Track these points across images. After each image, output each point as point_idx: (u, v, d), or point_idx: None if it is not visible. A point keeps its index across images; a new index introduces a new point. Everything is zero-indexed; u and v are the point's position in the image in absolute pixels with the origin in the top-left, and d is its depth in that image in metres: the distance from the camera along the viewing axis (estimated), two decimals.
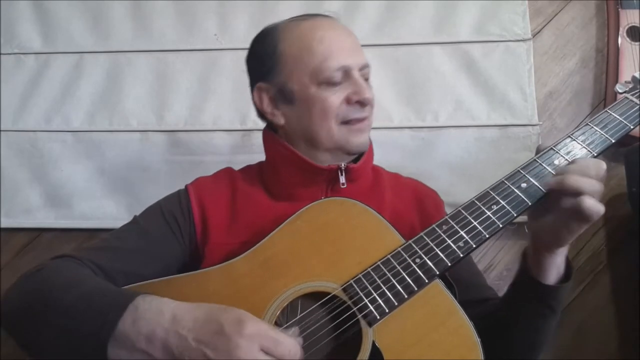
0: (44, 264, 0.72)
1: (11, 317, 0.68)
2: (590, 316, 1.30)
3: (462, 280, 0.73)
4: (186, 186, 0.88)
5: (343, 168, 0.84)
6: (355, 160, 0.87)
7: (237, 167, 0.96)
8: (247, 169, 0.95)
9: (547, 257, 0.70)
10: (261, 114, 0.90)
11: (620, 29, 1.32)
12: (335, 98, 0.81)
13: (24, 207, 1.37)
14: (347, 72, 0.82)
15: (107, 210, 1.36)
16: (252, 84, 0.90)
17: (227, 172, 0.93)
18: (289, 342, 0.59)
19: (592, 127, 0.74)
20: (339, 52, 0.82)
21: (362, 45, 0.89)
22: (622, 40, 1.32)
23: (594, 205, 0.64)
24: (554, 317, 0.73)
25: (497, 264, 1.33)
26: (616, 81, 1.31)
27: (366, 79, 0.86)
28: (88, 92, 1.39)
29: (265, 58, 0.86)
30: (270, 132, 0.90)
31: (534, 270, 0.72)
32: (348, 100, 0.82)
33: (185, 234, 0.83)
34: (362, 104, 0.82)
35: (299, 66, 0.82)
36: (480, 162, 1.33)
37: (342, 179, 0.84)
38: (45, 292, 0.66)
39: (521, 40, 1.36)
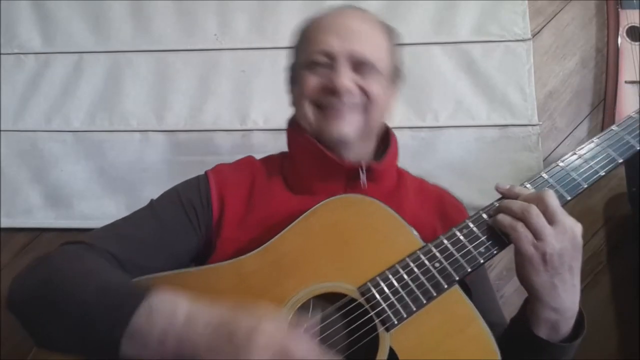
0: (55, 250, 0.70)
1: (22, 305, 0.66)
2: (590, 316, 1.30)
3: (473, 300, 0.70)
4: (206, 172, 0.85)
5: (364, 167, 0.81)
6: (378, 159, 0.85)
7: None
8: (269, 159, 0.92)
9: (536, 307, 0.66)
10: None
11: (620, 29, 1.33)
12: (312, 79, 0.81)
13: (24, 207, 1.37)
14: (333, 59, 0.80)
15: (107, 210, 1.36)
16: None
17: (249, 162, 0.90)
18: (303, 350, 0.56)
19: (599, 145, 0.71)
20: (330, 36, 0.80)
21: None
22: (622, 40, 1.32)
23: (503, 218, 0.66)
24: None
25: (497, 264, 1.33)
26: (616, 81, 1.32)
27: (360, 71, 0.81)
28: (88, 92, 1.39)
29: (295, 42, 0.89)
30: (294, 122, 0.88)
31: (530, 317, 0.68)
32: (323, 87, 0.81)
33: (202, 223, 0.80)
34: (333, 92, 0.79)
35: (301, 49, 0.85)
36: (480, 162, 1.33)
37: (363, 178, 0.81)
38: (58, 284, 0.65)
39: (521, 40, 1.36)
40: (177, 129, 1.38)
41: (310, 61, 0.81)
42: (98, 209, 1.36)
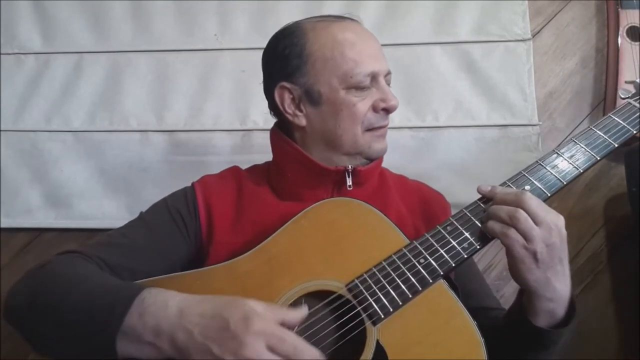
0: (48, 260, 0.72)
1: (17, 313, 0.68)
2: (590, 316, 1.30)
3: (464, 287, 0.73)
4: (192, 184, 0.88)
5: (350, 170, 0.83)
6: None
7: None
8: (254, 169, 0.94)
9: (533, 300, 0.69)
10: (278, 114, 0.88)
11: (620, 29, 1.32)
12: (362, 104, 0.82)
13: (24, 207, 1.37)
14: (374, 78, 0.83)
15: (107, 210, 1.36)
16: (273, 82, 0.86)
17: (234, 171, 0.92)
18: (295, 340, 0.58)
19: (596, 132, 0.76)
20: (368, 57, 0.82)
21: None
22: (622, 40, 1.32)
23: (494, 225, 0.68)
24: (545, 353, 0.72)
25: (497, 264, 1.33)
26: (616, 81, 1.31)
27: (388, 85, 0.87)
28: (88, 92, 1.39)
29: (291, 57, 0.83)
30: (279, 130, 0.89)
31: (527, 308, 0.70)
32: (375, 108, 0.83)
33: (191, 231, 0.82)
34: (388, 111, 0.84)
35: (329, 68, 0.82)
36: (480, 162, 1.33)
37: (349, 181, 0.83)
38: (51, 290, 0.67)
39: (521, 40, 1.36)
40: (177, 129, 1.37)
41: (356, 84, 0.81)
42: (98, 209, 1.36)
